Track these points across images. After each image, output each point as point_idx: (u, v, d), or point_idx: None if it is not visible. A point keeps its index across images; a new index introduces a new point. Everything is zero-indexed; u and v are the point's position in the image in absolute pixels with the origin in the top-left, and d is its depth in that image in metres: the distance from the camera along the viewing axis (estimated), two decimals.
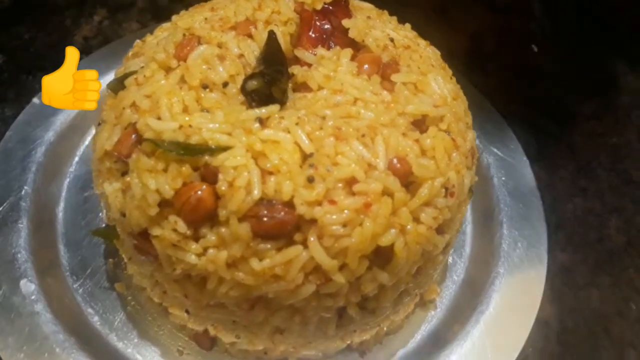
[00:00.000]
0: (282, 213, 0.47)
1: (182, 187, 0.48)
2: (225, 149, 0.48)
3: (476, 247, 0.74)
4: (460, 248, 0.74)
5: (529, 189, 0.76)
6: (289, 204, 0.47)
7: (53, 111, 0.75)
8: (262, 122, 0.50)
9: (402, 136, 0.51)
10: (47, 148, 0.72)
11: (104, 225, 0.67)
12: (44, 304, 0.60)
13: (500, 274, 0.68)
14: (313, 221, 0.47)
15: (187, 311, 0.56)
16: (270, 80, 0.52)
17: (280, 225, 0.47)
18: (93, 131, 0.76)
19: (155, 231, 0.49)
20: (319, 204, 0.47)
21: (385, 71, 0.56)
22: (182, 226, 0.48)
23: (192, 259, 0.48)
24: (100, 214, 0.69)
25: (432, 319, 0.68)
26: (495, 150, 0.80)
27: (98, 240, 0.68)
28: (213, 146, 0.48)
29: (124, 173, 0.51)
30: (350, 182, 0.48)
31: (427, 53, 0.61)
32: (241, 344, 0.59)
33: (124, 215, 0.51)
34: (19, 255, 0.63)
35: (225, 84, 0.53)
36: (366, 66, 0.56)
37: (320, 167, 0.48)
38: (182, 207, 0.47)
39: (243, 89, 0.52)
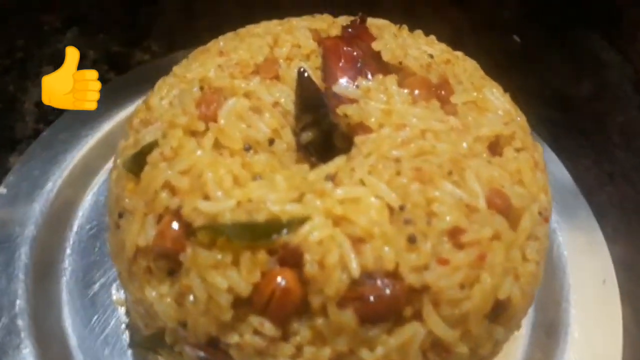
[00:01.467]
0: (391, 287, 0.38)
1: (261, 279, 0.38)
2: (302, 221, 0.39)
3: None
4: None
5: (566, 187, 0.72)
6: (394, 274, 0.39)
7: (25, 201, 0.63)
8: (332, 179, 0.42)
9: (490, 165, 0.44)
10: (31, 245, 0.60)
11: (128, 329, 0.55)
12: None
13: (571, 286, 0.62)
14: (425, 289, 0.39)
15: None
16: (328, 128, 0.44)
17: (391, 302, 0.38)
18: (80, 214, 0.65)
19: (232, 338, 0.39)
20: (426, 267, 0.39)
21: (439, 93, 0.49)
22: (269, 328, 0.38)
23: None
24: (119, 310, 0.58)
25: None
26: None
27: (119, 345, 0.56)
28: (286, 220, 0.39)
29: (171, 273, 0.41)
30: (455, 233, 0.40)
31: (469, 65, 0.54)
32: None
33: (184, 325, 0.40)
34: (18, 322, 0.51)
35: (271, 142, 0.44)
36: (417, 92, 0.49)
37: (418, 222, 0.40)
38: (266, 304, 0.38)
39: (298, 144, 0.43)
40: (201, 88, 0.47)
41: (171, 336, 0.43)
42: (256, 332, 0.39)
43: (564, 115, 0.88)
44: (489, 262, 0.40)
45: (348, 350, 0.39)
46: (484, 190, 0.43)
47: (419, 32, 0.57)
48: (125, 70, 0.83)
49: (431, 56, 0.53)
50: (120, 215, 0.45)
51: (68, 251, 0.63)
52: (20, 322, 0.54)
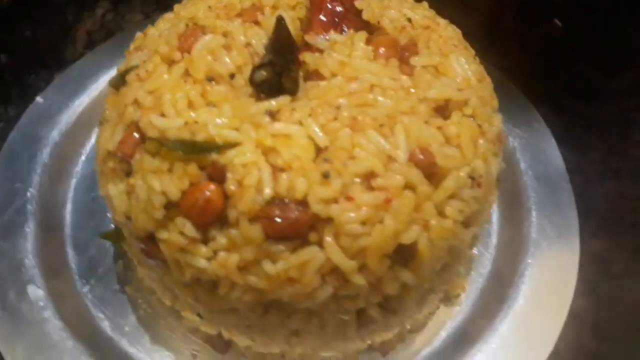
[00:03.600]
0: (296, 212, 0.43)
1: (189, 187, 0.45)
2: (233, 145, 0.45)
3: (503, 237, 0.70)
4: (486, 238, 0.70)
5: (557, 173, 0.72)
6: (303, 203, 0.43)
7: (58, 109, 0.73)
8: (272, 115, 0.47)
9: (424, 124, 0.47)
10: (52, 149, 0.70)
11: (112, 226, 0.64)
12: (52, 310, 0.57)
13: (530, 265, 0.64)
14: (329, 220, 0.44)
15: (199, 315, 0.53)
16: (280, 70, 0.48)
17: (294, 226, 0.43)
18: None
19: (162, 235, 0.46)
20: (335, 201, 0.44)
21: (403, 54, 0.52)
22: (190, 229, 0.45)
23: (202, 263, 0.45)
24: (109, 215, 0.67)
25: (457, 315, 0.64)
26: (520, 133, 0.75)
27: (107, 241, 0.65)
28: (220, 143, 0.45)
29: (129, 174, 0.49)
30: (368, 177, 0.44)
31: (447, 33, 0.56)
32: (257, 347, 0.56)
33: (129, 218, 0.48)
34: (26, 261, 0.61)
35: (232, 76, 0.50)
36: (382, 49, 0.52)
37: (336, 162, 0.44)
38: (190, 209, 0.44)
39: (251, 80, 0.49)
40: (187, 25, 0.53)
41: (125, 230, 0.51)
42: (181, 232, 0.45)
43: (586, 106, 0.86)
44: (394, 207, 0.44)
45: (253, 260, 0.44)
46: (410, 145, 0.46)
47: None
48: None
49: (409, 20, 0.55)
50: (101, 123, 0.52)
51: (83, 158, 0.72)
52: (29, 207, 0.65)
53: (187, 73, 0.50)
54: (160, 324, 0.61)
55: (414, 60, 0.51)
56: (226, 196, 0.44)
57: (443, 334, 0.62)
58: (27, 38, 0.88)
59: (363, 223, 0.44)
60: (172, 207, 0.45)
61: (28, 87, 0.82)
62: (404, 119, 0.47)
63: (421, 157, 0.46)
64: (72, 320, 0.58)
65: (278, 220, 0.43)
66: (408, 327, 0.61)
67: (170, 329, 0.61)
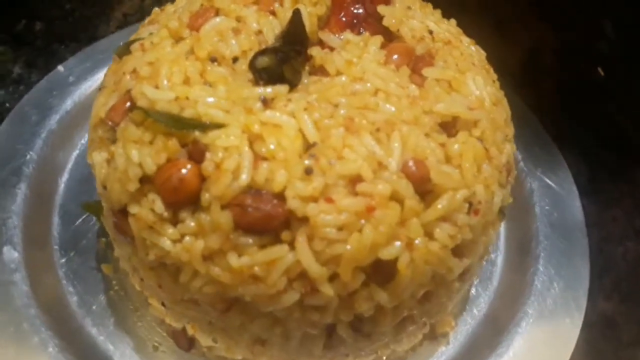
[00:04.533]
0: (270, 205, 0.40)
1: (165, 163, 0.43)
2: (219, 126, 0.42)
3: (505, 282, 0.65)
4: (487, 280, 0.65)
5: (574, 223, 0.67)
6: (280, 196, 0.41)
7: (76, 80, 0.73)
8: (266, 102, 0.44)
9: (424, 137, 0.44)
10: (61, 116, 0.70)
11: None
12: (22, 274, 0.56)
13: (528, 315, 0.59)
14: (305, 220, 0.41)
15: (163, 304, 0.51)
16: (283, 59, 0.46)
17: (266, 219, 0.40)
18: None
19: (134, 209, 0.44)
20: (315, 200, 0.41)
21: (417, 64, 0.49)
22: (159, 206, 0.42)
23: (167, 244, 0.43)
24: None
25: (441, 355, 0.59)
26: (541, 175, 0.71)
27: (93, 217, 0.64)
28: (207, 122, 0.43)
29: (113, 142, 0.47)
30: (354, 181, 0.41)
31: (469, 51, 0.54)
32: (219, 349, 0.53)
33: (105, 187, 0.46)
34: (9, 221, 0.59)
35: (235, 59, 0.48)
36: (396, 56, 0.49)
37: (322, 159, 0.41)
38: (162, 185, 0.42)
39: (251, 65, 0.47)
40: (202, 5, 0.52)
41: (103, 201, 0.49)
42: (151, 209, 0.43)
43: (617, 160, 0.81)
44: (377, 217, 0.41)
45: (219, 249, 0.42)
46: (404, 155, 0.43)
47: (436, 11, 0.57)
48: None
49: (430, 32, 0.53)
50: (100, 90, 0.51)
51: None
52: (25, 169, 0.64)
53: (191, 51, 0.48)
54: (128, 310, 0.59)
55: (427, 72, 0.49)
56: (203, 178, 0.42)
57: None
58: (65, 10, 0.90)
59: (340, 228, 0.41)
60: (147, 182, 0.43)
61: (54, 57, 0.82)
62: (403, 127, 0.44)
63: (414, 169, 0.43)
64: (41, 289, 0.57)
65: (250, 209, 0.40)
66: (385, 359, 0.56)
67: (137, 316, 0.58)
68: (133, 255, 0.48)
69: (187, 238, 0.42)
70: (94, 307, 0.58)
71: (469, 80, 0.49)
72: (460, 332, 0.61)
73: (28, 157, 0.65)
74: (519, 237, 0.67)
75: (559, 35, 0.95)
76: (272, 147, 0.42)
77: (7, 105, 0.76)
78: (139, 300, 0.58)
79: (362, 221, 0.41)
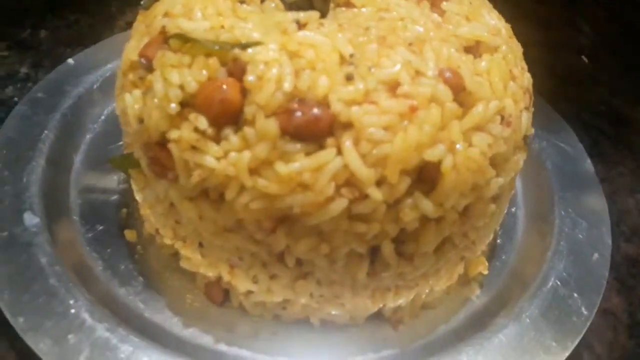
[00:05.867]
0: (316, 110, 0.41)
1: (206, 81, 0.43)
2: (257, 44, 0.44)
3: (528, 230, 0.65)
4: (510, 231, 0.66)
5: (587, 174, 0.69)
6: (324, 102, 0.41)
7: (86, 70, 0.74)
8: (300, 25, 0.46)
9: (456, 51, 0.46)
10: (74, 101, 0.70)
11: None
12: (45, 237, 0.54)
13: (558, 253, 0.59)
14: (349, 125, 0.41)
15: (200, 245, 0.50)
16: None
17: (312, 123, 0.41)
18: None
19: (174, 134, 0.44)
20: (358, 103, 0.42)
21: (434, 0, 0.52)
22: (203, 122, 0.43)
23: (211, 162, 0.42)
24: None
25: (476, 299, 0.59)
26: (548, 136, 0.73)
27: (113, 190, 0.63)
28: (244, 42, 0.44)
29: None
30: (394, 86, 0.43)
31: None
32: (257, 294, 0.51)
33: (142, 121, 0.46)
34: (27, 191, 0.58)
35: (262, 0, 0.50)
36: None
37: (361, 67, 0.43)
38: (204, 101, 0.43)
39: (284, 2, 0.49)
40: None
41: (136, 142, 0.49)
42: (194, 129, 0.43)
43: (614, 129, 0.84)
44: (420, 117, 0.42)
45: (265, 159, 0.41)
46: (439, 64, 0.45)
47: None
48: None
49: None
50: (129, 40, 0.52)
51: (103, 117, 0.72)
52: (41, 146, 0.63)
53: None
54: (156, 271, 0.57)
55: (446, 5, 0.51)
56: (244, 94, 0.43)
57: (461, 315, 0.57)
58: (69, 21, 0.92)
59: (385, 129, 0.41)
60: (187, 106, 0.44)
61: (62, 58, 0.83)
62: (434, 42, 0.46)
63: (450, 75, 0.44)
64: (64, 251, 0.54)
65: (297, 114, 0.41)
66: (423, 297, 0.56)
67: (167, 276, 0.57)
68: (171, 189, 0.47)
69: (232, 154, 0.42)
70: (120, 270, 0.56)
71: (485, 13, 0.52)
72: (491, 277, 0.60)
73: (43, 135, 0.64)
74: (536, 191, 0.68)
75: (543, 35, 1.01)
76: (310, 58, 0.43)
77: (16, 99, 0.76)
78: (166, 262, 0.57)
79: (406, 122, 0.42)
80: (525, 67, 0.55)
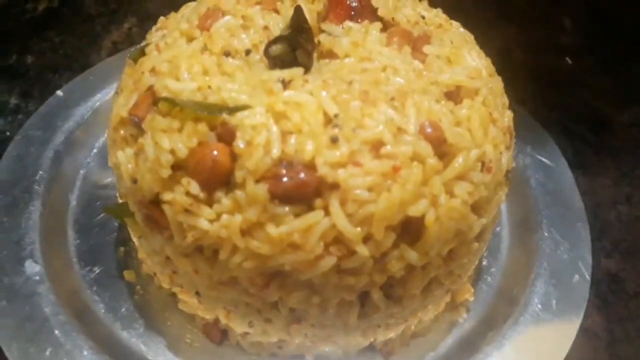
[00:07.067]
0: (303, 174, 0.43)
1: (197, 146, 0.45)
2: (244, 108, 0.45)
3: (513, 251, 0.68)
4: (495, 252, 0.68)
5: (569, 191, 0.71)
6: (311, 165, 0.43)
7: (76, 103, 0.75)
8: (285, 84, 0.47)
9: (435, 102, 0.48)
10: (66, 137, 0.71)
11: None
12: (47, 285, 0.56)
13: (541, 275, 0.62)
14: (335, 185, 0.43)
15: (197, 293, 0.52)
16: (295, 45, 0.50)
17: (300, 187, 0.43)
18: None
19: (167, 196, 0.46)
20: (343, 165, 0.43)
21: (416, 43, 0.53)
22: (195, 187, 0.44)
23: (205, 224, 0.44)
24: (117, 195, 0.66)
25: (463, 323, 0.62)
26: (531, 152, 0.75)
27: (110, 228, 0.65)
28: (232, 105, 0.45)
29: (139, 137, 0.49)
30: (377, 146, 0.44)
31: (460, 32, 0.58)
32: (254, 335, 0.54)
33: (135, 182, 0.48)
34: (26, 237, 0.60)
35: (247, 52, 0.51)
36: (396, 39, 0.53)
37: (345, 128, 0.44)
38: (196, 167, 0.44)
39: (266, 53, 0.50)
40: (208, 8, 0.55)
41: (130, 198, 0.51)
42: (186, 192, 0.45)
43: (596, 135, 0.86)
44: (402, 176, 0.44)
45: (257, 222, 0.43)
46: (420, 119, 0.46)
47: (424, 1, 0.62)
48: None
49: (423, 17, 0.57)
50: (116, 93, 0.53)
51: (95, 151, 0.73)
52: (36, 187, 0.65)
53: (205, 48, 0.51)
54: (156, 311, 0.59)
55: (427, 49, 0.52)
56: (234, 158, 0.44)
57: (449, 341, 0.60)
58: (55, 43, 0.92)
59: (370, 189, 0.43)
60: (178, 169, 0.45)
61: (49, 86, 0.84)
62: (415, 95, 0.47)
63: (431, 131, 0.46)
64: (67, 298, 0.57)
65: (285, 179, 0.43)
66: (412, 328, 0.58)
67: (166, 316, 0.59)
68: (166, 244, 0.49)
69: (224, 216, 0.44)
70: (121, 312, 0.58)
71: (466, 54, 0.53)
72: (477, 301, 0.63)
73: (38, 176, 0.66)
74: (520, 210, 0.71)
75: (526, 34, 1.02)
76: (297, 121, 0.44)
77: (8, 133, 0.77)
78: (165, 301, 0.59)
79: (389, 182, 0.44)
80: (507, 102, 0.57)
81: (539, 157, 0.75)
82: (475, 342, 0.59)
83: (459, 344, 0.60)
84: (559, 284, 0.62)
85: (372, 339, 0.56)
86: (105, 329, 0.57)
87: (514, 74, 0.92)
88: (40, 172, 0.66)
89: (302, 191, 0.43)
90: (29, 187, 0.64)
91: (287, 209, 0.43)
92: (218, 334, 0.57)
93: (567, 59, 1.01)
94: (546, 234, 0.66)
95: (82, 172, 0.71)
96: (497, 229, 0.70)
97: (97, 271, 0.61)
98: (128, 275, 0.61)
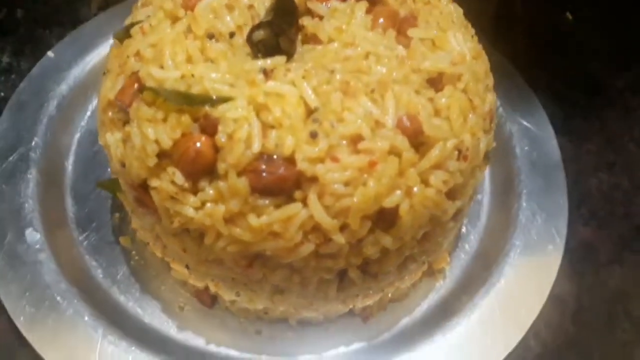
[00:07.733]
0: (282, 168, 0.45)
1: (180, 138, 0.46)
2: (226, 99, 0.46)
3: (492, 219, 0.71)
4: (475, 219, 0.71)
5: (552, 162, 0.73)
6: (290, 160, 0.45)
7: (67, 65, 0.75)
8: (267, 73, 0.48)
9: (415, 93, 0.48)
10: (59, 101, 0.72)
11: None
12: (48, 253, 0.60)
13: (515, 246, 0.65)
14: (314, 179, 0.45)
15: (187, 266, 0.55)
16: (278, 31, 0.50)
17: (279, 181, 0.45)
18: None
19: (154, 183, 0.48)
20: (322, 161, 0.45)
21: (401, 26, 0.53)
22: (179, 178, 0.46)
23: (190, 212, 0.47)
24: (109, 170, 0.69)
25: (440, 288, 0.66)
26: (519, 119, 0.76)
27: (106, 194, 0.67)
28: (214, 97, 0.46)
29: (126, 123, 0.50)
30: (355, 140, 0.46)
31: (448, 9, 0.57)
32: (241, 302, 0.58)
33: (124, 165, 0.50)
34: (26, 205, 0.63)
35: (232, 35, 0.51)
36: (381, 20, 0.53)
37: (325, 123, 0.45)
38: (180, 158, 0.46)
39: (249, 39, 0.50)
40: None
41: (121, 178, 0.53)
42: (172, 181, 0.47)
43: (588, 100, 0.86)
44: (378, 170, 0.45)
45: (239, 212, 0.46)
46: (398, 112, 0.47)
47: None
48: None
49: None
50: (104, 73, 0.54)
51: (89, 113, 0.74)
52: (32, 155, 0.67)
53: (189, 29, 0.51)
54: (150, 276, 0.63)
55: (412, 32, 0.52)
56: (216, 149, 0.46)
57: (425, 306, 0.64)
58: None
59: (347, 184, 0.45)
60: (164, 157, 0.47)
61: (41, 43, 0.83)
62: (395, 86, 0.48)
63: (408, 124, 0.47)
64: (66, 265, 0.60)
65: (264, 174, 0.45)
66: (390, 295, 0.62)
67: (160, 281, 0.63)
68: (156, 224, 0.52)
69: (208, 204, 0.46)
70: (118, 277, 0.62)
71: (451, 37, 0.53)
72: (454, 267, 0.67)
73: (33, 143, 0.68)
74: (502, 178, 0.73)
75: None
76: (278, 115, 0.45)
77: (2, 94, 0.78)
78: (159, 266, 0.63)
79: (365, 175, 0.45)
80: (491, 83, 0.57)
81: (527, 124, 0.76)
82: (450, 307, 0.64)
83: (435, 308, 0.64)
84: (532, 253, 0.65)
85: (351, 306, 0.60)
86: (103, 294, 0.61)
87: (512, 30, 0.91)
88: (36, 138, 0.68)
89: (281, 185, 0.45)
90: (25, 154, 0.66)
91: (267, 201, 0.45)
92: (209, 299, 0.61)
93: (567, 14, 0.98)
94: (524, 204, 0.69)
95: (77, 136, 0.73)
96: (479, 196, 0.72)
97: (94, 237, 0.65)
98: (124, 241, 0.64)
